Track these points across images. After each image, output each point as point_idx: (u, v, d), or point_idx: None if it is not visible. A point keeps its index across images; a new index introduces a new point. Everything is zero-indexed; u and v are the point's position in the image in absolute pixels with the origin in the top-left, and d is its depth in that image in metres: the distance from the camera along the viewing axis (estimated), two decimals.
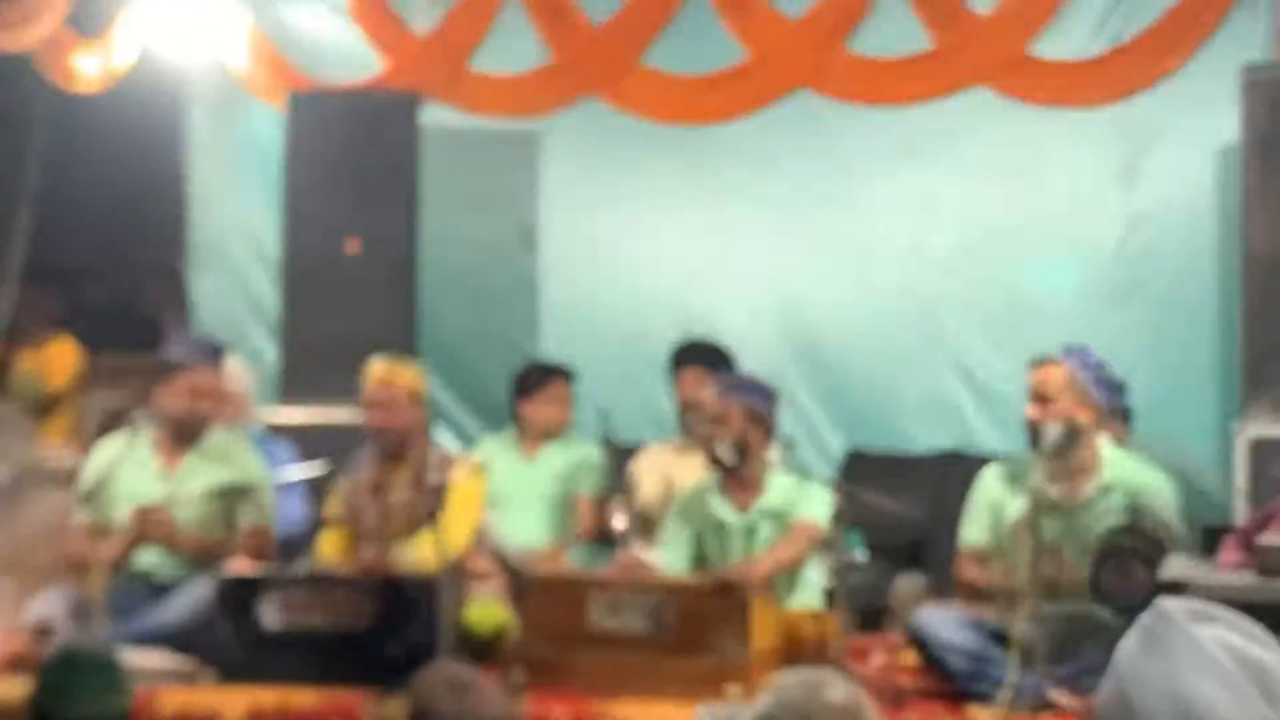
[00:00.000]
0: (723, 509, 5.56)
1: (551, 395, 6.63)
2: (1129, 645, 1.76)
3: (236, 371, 6.46)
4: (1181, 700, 1.69)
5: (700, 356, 6.52)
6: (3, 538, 5.73)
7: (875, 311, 7.37)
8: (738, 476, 5.55)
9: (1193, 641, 1.72)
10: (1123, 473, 5.10)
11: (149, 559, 5.51)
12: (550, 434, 6.61)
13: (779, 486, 5.55)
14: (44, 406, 7.92)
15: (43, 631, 5.23)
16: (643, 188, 7.65)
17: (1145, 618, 1.76)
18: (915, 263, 7.29)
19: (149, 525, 5.36)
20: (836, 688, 2.58)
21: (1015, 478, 5.13)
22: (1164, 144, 6.97)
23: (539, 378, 6.69)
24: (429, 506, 5.10)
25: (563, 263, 7.74)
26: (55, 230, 7.82)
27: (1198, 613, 1.75)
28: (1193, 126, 6.90)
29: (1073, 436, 5.01)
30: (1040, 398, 5.10)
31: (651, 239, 7.63)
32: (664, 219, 7.62)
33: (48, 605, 5.34)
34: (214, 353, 5.76)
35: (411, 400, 5.53)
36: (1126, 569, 4.73)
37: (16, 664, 5.06)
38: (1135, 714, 1.70)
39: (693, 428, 6.23)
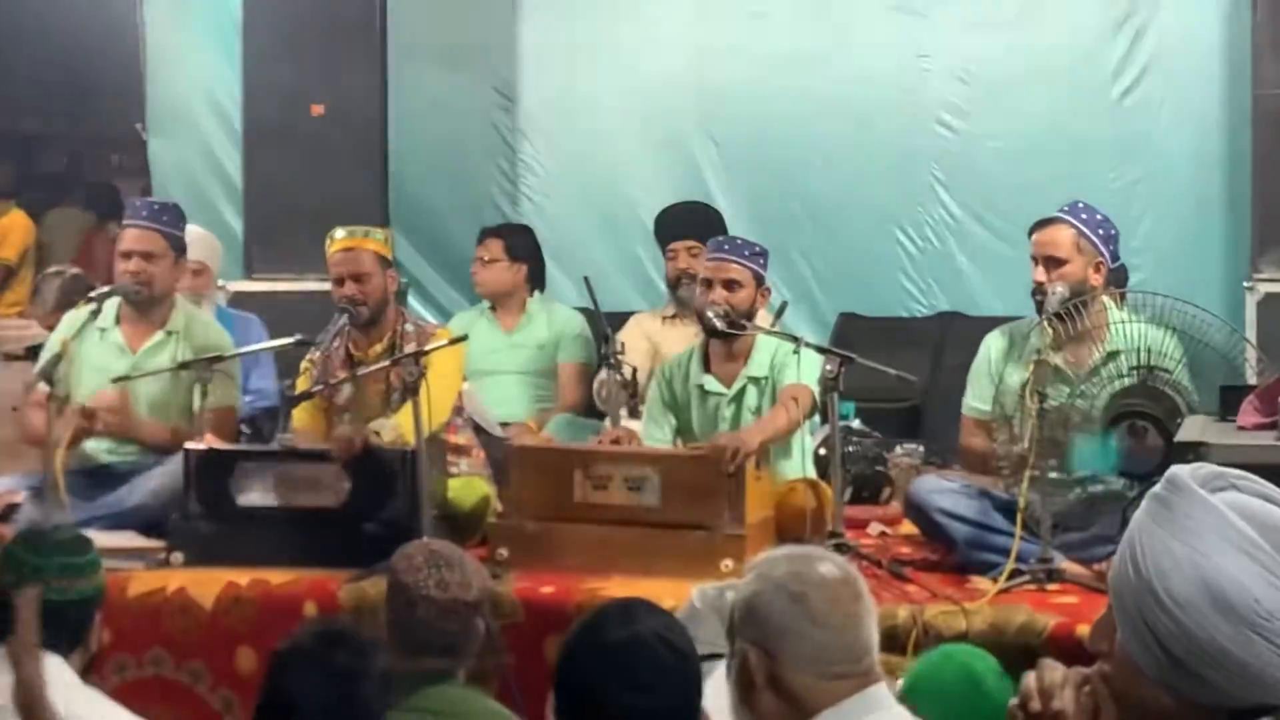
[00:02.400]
0: (706, 377, 5.31)
1: (483, 257, 6.35)
2: (1142, 516, 1.70)
3: (205, 241, 6.22)
4: (1212, 585, 1.62)
5: (692, 227, 6.24)
6: None
7: (869, 169, 7.14)
8: (726, 343, 5.28)
9: (1210, 510, 1.64)
10: (1131, 334, 4.88)
11: (107, 445, 5.29)
12: (501, 299, 6.34)
13: (766, 352, 5.28)
14: None
15: (5, 511, 5.04)
16: (628, 41, 7.35)
17: (1158, 486, 1.69)
18: (909, 116, 7.06)
19: (102, 418, 5.13)
20: (825, 563, 2.56)
21: (1018, 344, 4.91)
22: None
23: (479, 239, 6.43)
24: (405, 378, 4.89)
25: (543, 123, 7.45)
26: (2, 96, 7.51)
27: (1212, 478, 1.68)
28: None
29: (1081, 300, 4.78)
30: (1048, 260, 4.86)
31: (639, 97, 7.36)
32: (652, 74, 7.34)
33: (10, 484, 5.17)
34: (156, 213, 5.46)
35: (378, 266, 5.28)
36: (1139, 433, 4.53)
37: None
38: (1160, 599, 1.63)
39: (687, 299, 5.95)
